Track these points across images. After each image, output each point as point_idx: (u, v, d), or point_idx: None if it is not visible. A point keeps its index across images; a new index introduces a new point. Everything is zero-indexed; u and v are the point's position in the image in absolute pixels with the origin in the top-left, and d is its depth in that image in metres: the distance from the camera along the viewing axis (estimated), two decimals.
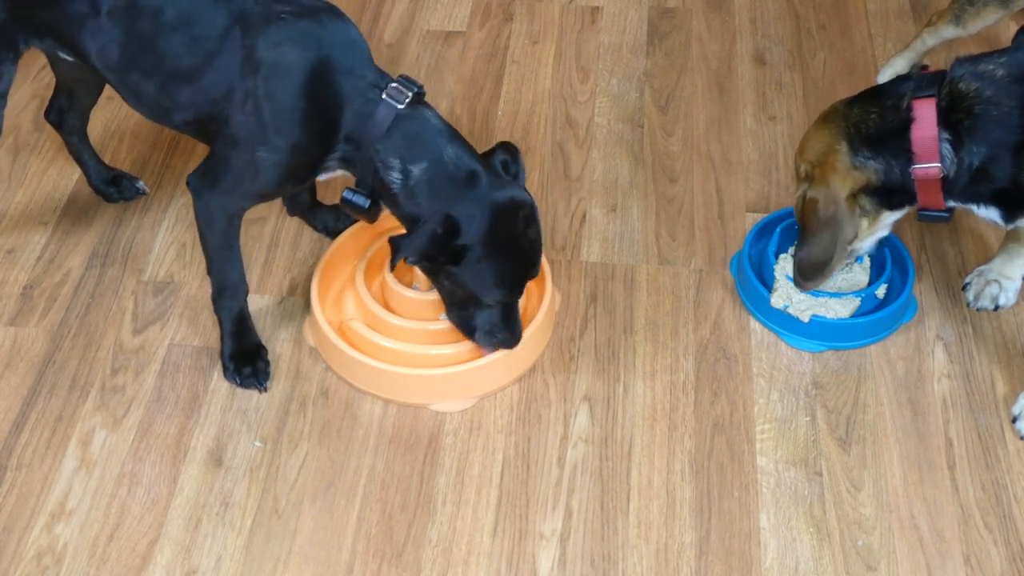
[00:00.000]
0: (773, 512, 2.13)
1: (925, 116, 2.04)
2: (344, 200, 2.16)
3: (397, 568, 2.06)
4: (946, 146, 2.05)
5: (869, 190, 2.13)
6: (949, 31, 2.76)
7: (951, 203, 2.13)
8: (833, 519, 2.12)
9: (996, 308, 2.44)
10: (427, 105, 2.14)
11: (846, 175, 2.11)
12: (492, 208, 2.08)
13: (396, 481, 2.18)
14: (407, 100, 2.09)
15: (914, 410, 2.29)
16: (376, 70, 2.12)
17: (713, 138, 2.87)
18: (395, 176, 2.09)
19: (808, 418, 2.28)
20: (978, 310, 2.45)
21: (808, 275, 2.24)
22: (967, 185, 2.08)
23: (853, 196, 2.13)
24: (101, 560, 2.07)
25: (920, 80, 2.09)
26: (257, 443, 2.24)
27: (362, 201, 2.15)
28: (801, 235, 2.22)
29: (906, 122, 2.06)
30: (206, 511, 2.14)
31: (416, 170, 2.08)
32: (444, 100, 2.97)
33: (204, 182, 2.18)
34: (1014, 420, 2.25)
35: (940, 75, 2.09)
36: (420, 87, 2.13)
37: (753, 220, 2.58)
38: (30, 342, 2.40)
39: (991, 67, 2.06)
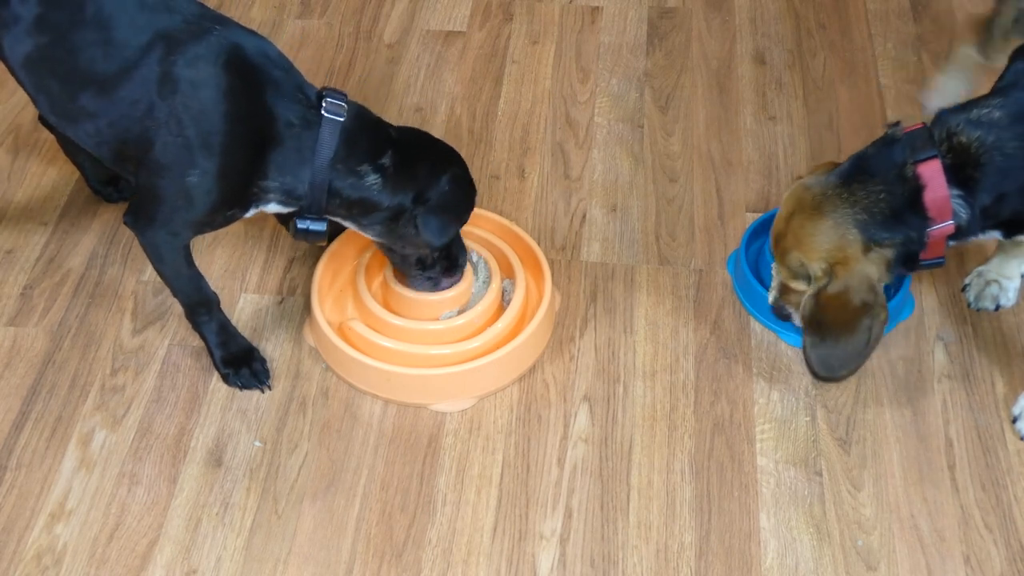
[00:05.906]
0: (773, 512, 2.13)
1: (934, 179, 1.98)
2: (299, 231, 2.13)
3: (397, 568, 2.06)
4: (958, 202, 1.99)
5: (889, 265, 2.05)
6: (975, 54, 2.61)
7: (952, 244, 2.07)
8: (833, 519, 2.12)
9: (997, 308, 2.44)
10: (349, 101, 2.12)
11: (871, 260, 2.03)
12: (453, 151, 2.24)
13: (396, 481, 2.18)
14: (345, 110, 2.08)
15: (914, 410, 2.29)
16: (308, 86, 2.09)
17: (713, 138, 2.87)
18: (372, 180, 2.10)
19: (808, 418, 2.27)
20: (979, 310, 2.45)
21: (840, 369, 2.17)
22: (977, 227, 2.04)
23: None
24: (101, 560, 2.07)
25: (910, 141, 2.02)
26: (257, 443, 2.24)
27: (320, 226, 2.14)
28: (819, 333, 2.11)
29: (917, 189, 1.99)
30: (206, 511, 2.14)
31: (387, 160, 2.11)
32: (444, 100, 2.97)
33: (139, 219, 2.12)
34: (1014, 420, 2.25)
35: (925, 131, 2.02)
36: (343, 93, 2.12)
37: (753, 220, 2.58)
38: (30, 342, 2.40)
39: (985, 110, 1.99)
